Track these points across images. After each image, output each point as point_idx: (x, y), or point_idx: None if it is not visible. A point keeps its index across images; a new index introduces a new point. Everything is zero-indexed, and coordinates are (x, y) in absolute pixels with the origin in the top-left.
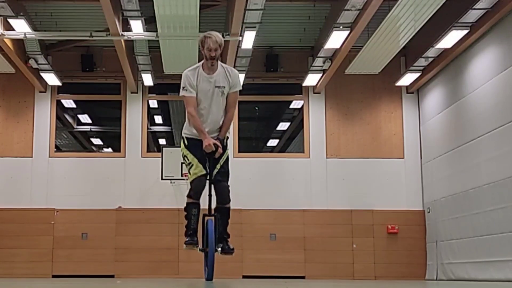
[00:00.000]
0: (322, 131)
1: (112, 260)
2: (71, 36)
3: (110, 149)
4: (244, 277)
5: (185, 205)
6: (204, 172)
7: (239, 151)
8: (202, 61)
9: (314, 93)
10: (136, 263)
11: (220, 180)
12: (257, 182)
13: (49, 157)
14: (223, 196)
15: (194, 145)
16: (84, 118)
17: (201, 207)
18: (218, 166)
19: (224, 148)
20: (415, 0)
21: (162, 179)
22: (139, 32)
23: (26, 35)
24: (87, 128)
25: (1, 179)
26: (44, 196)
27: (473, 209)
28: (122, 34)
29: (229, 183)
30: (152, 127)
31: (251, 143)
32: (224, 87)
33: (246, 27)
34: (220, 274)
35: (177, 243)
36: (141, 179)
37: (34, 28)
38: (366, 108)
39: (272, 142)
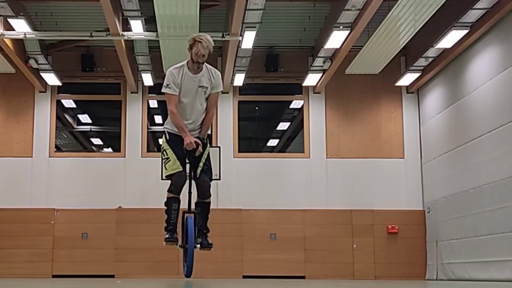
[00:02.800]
0: (322, 131)
1: (112, 260)
2: (71, 36)
3: (110, 149)
4: (244, 277)
5: (165, 199)
6: (181, 169)
7: (239, 151)
8: (187, 60)
9: (314, 93)
10: (136, 263)
11: (201, 175)
12: (257, 182)
13: (49, 157)
14: (204, 190)
15: (174, 141)
16: (84, 118)
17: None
18: (201, 164)
19: (205, 145)
20: (415, 0)
21: (162, 179)
22: (139, 32)
23: (26, 35)
24: (87, 128)
25: (1, 179)
26: (44, 196)
27: (473, 209)
28: (122, 34)
29: (211, 178)
30: (152, 127)
31: (251, 143)
32: (207, 87)
33: (246, 27)
34: (220, 274)
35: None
36: (141, 179)
37: (34, 28)
38: (366, 108)
39: (272, 142)
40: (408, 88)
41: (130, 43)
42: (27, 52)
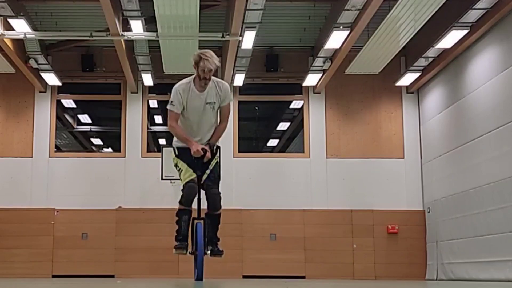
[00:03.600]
0: (322, 131)
1: (112, 260)
2: (71, 36)
3: (110, 149)
4: (244, 277)
5: (177, 210)
6: (194, 175)
7: (239, 151)
8: (194, 76)
9: (314, 93)
10: (136, 263)
11: (210, 186)
12: (257, 182)
13: (49, 157)
14: (214, 203)
15: (183, 153)
16: (84, 118)
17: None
18: (207, 172)
19: (213, 154)
20: (415, 0)
21: (162, 179)
22: (139, 32)
23: (26, 35)
24: (87, 128)
25: (1, 179)
26: (44, 196)
27: (473, 209)
28: (122, 34)
29: (220, 190)
30: (152, 127)
31: (251, 143)
32: (215, 102)
33: (246, 27)
34: (220, 274)
35: None
36: (141, 179)
37: (34, 28)
38: (366, 108)
39: (272, 142)
40: (408, 88)
41: (130, 43)
42: (27, 52)
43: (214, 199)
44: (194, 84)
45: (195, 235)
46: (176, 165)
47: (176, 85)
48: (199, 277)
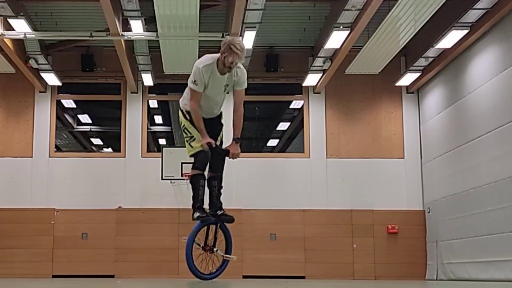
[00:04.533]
0: (322, 131)
1: (112, 260)
2: (71, 36)
3: (110, 149)
4: (244, 277)
5: (190, 178)
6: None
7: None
8: (217, 57)
9: (314, 93)
10: (136, 263)
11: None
12: (257, 182)
13: (49, 157)
14: (222, 165)
15: None
16: (84, 118)
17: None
18: (218, 138)
19: (221, 126)
20: (415, 0)
21: (162, 179)
22: (139, 32)
23: (26, 35)
24: (87, 128)
25: (1, 179)
26: (44, 196)
27: (473, 209)
28: (122, 34)
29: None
30: (152, 127)
31: (251, 143)
32: (228, 85)
33: (246, 27)
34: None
35: (177, 243)
36: (141, 179)
37: (34, 28)
38: (366, 108)
39: (272, 142)
40: (408, 88)
41: (130, 43)
42: (27, 52)
43: (222, 162)
44: (217, 66)
45: (226, 235)
46: (186, 129)
47: (199, 63)
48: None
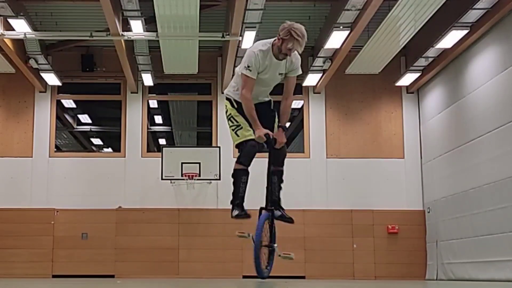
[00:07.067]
0: (322, 131)
1: (112, 260)
2: (71, 36)
3: (110, 149)
4: (244, 277)
5: (232, 171)
6: (253, 137)
7: None
8: (273, 42)
9: (314, 93)
10: (136, 263)
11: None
12: (257, 182)
13: (49, 157)
14: (283, 155)
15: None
16: (84, 118)
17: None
18: (275, 126)
19: (274, 117)
20: (415, 0)
21: (162, 179)
22: (139, 32)
23: (26, 35)
24: (87, 128)
25: (1, 179)
26: (44, 196)
27: (473, 209)
28: (122, 34)
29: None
30: (152, 127)
31: None
32: (282, 73)
33: (246, 27)
34: (220, 274)
35: (177, 243)
36: (141, 179)
37: (34, 28)
38: (366, 108)
39: None
40: (408, 88)
41: (130, 43)
42: (27, 52)
43: (283, 151)
44: (273, 51)
45: (271, 231)
46: (232, 118)
47: (254, 48)
48: (263, 273)
